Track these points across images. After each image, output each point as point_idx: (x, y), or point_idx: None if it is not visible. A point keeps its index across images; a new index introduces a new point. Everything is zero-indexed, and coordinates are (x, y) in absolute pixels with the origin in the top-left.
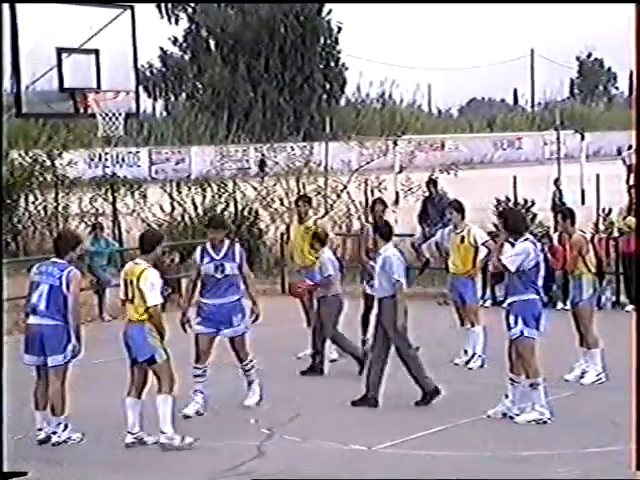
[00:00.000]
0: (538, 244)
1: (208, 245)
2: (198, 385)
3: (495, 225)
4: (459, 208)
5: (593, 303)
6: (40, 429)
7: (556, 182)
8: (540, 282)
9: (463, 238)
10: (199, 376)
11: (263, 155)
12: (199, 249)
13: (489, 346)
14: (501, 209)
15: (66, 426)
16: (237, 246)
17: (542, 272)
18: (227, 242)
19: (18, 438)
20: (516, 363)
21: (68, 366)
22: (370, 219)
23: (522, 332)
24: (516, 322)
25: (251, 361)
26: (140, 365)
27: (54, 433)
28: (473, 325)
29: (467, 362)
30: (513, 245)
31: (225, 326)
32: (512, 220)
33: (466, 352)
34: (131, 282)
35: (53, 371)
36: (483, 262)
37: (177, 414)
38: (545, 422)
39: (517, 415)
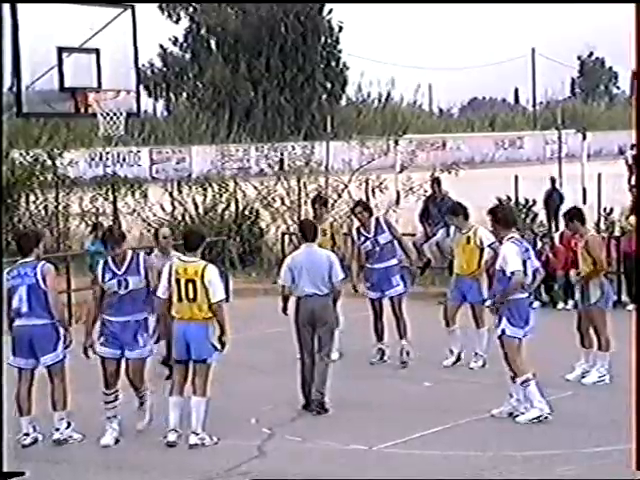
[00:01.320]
0: (525, 242)
1: (109, 260)
2: (110, 412)
3: None
4: (457, 212)
5: (604, 304)
6: (27, 434)
7: (553, 181)
8: (528, 280)
9: (469, 239)
10: (110, 402)
11: (282, 154)
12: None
13: (489, 346)
14: (491, 207)
15: (69, 424)
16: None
17: (529, 271)
18: (129, 255)
19: (18, 438)
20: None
21: (65, 362)
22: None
23: (504, 331)
24: (500, 321)
25: (146, 390)
26: (185, 363)
27: (57, 430)
28: (479, 326)
29: (455, 362)
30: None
31: (129, 347)
32: (501, 214)
33: (451, 352)
34: (191, 281)
35: (52, 370)
36: (488, 264)
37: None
38: (546, 417)
39: (522, 414)
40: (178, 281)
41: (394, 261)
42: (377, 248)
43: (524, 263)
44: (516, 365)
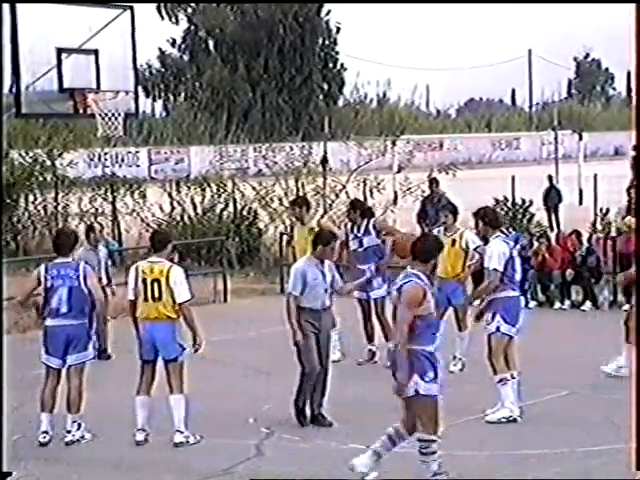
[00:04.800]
0: (510, 242)
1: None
2: (437, 463)
3: None
4: (455, 211)
5: None
6: (45, 432)
7: (550, 179)
8: (518, 277)
9: (454, 241)
10: (436, 451)
11: (325, 152)
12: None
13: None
14: (477, 209)
15: (79, 425)
16: None
17: (518, 267)
18: None
19: (17, 438)
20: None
21: (86, 363)
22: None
23: (498, 328)
24: (493, 318)
25: None
26: (153, 363)
27: (69, 432)
28: (461, 329)
29: None
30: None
31: None
32: (492, 216)
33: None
34: (156, 281)
35: (73, 369)
36: (474, 268)
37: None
38: (515, 420)
39: (493, 413)
40: (145, 281)
41: (373, 265)
42: (361, 249)
43: (512, 260)
44: (498, 362)
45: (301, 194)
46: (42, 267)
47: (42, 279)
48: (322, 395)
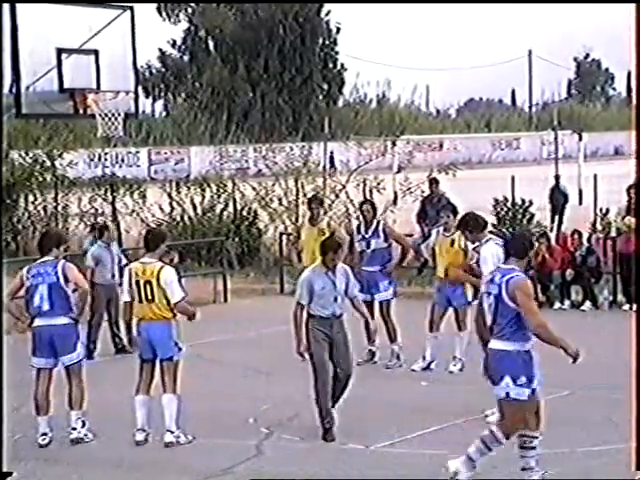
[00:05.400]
0: (500, 242)
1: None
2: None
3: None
4: (455, 211)
5: None
6: (44, 434)
7: (557, 179)
8: None
9: (453, 242)
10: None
11: (332, 152)
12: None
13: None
14: (459, 219)
15: (84, 423)
16: None
17: None
18: None
19: (17, 438)
20: None
21: (83, 361)
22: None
23: None
24: None
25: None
26: (152, 363)
27: (74, 429)
28: (461, 329)
29: (425, 368)
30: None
31: None
32: (473, 221)
33: (424, 358)
34: (148, 282)
35: (71, 370)
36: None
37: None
38: None
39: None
40: (138, 282)
41: (378, 267)
42: (368, 250)
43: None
44: None
45: (301, 194)
46: (25, 268)
47: (24, 279)
48: (335, 401)
